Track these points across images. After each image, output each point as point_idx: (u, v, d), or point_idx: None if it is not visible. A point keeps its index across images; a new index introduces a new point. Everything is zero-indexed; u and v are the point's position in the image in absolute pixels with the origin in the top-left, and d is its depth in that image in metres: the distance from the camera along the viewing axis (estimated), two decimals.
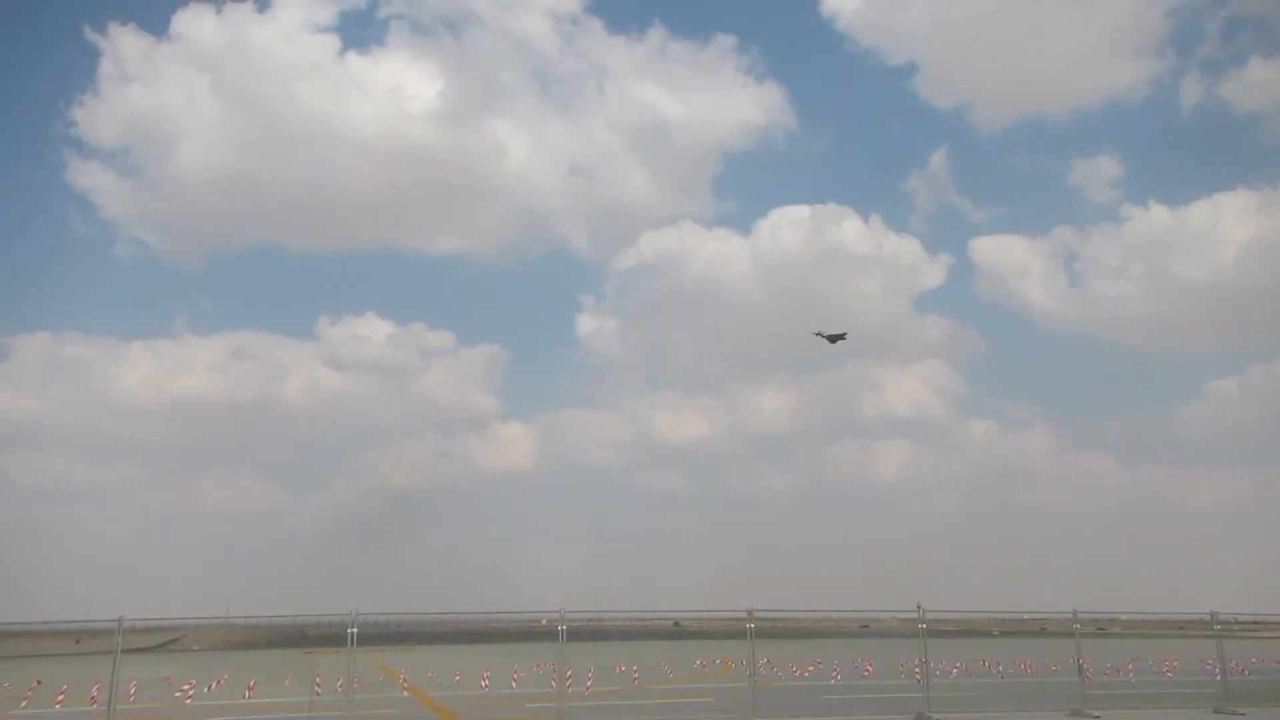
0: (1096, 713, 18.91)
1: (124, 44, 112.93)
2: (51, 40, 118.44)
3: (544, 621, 19.57)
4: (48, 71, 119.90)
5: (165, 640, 61.82)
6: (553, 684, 18.65)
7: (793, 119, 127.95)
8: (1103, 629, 46.81)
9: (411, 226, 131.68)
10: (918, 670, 19.59)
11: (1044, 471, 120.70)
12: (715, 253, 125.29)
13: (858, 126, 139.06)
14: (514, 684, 22.56)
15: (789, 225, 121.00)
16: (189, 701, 20.92)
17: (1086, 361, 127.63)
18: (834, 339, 57.31)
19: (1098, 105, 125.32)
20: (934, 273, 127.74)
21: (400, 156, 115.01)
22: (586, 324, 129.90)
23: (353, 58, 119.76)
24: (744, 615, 18.71)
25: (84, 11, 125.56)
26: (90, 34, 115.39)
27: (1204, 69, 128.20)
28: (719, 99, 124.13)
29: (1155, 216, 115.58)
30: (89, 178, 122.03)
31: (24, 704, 22.54)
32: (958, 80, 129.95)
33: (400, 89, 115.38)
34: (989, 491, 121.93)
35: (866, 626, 71.60)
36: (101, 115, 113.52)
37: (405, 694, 23.58)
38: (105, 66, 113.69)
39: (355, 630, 17.15)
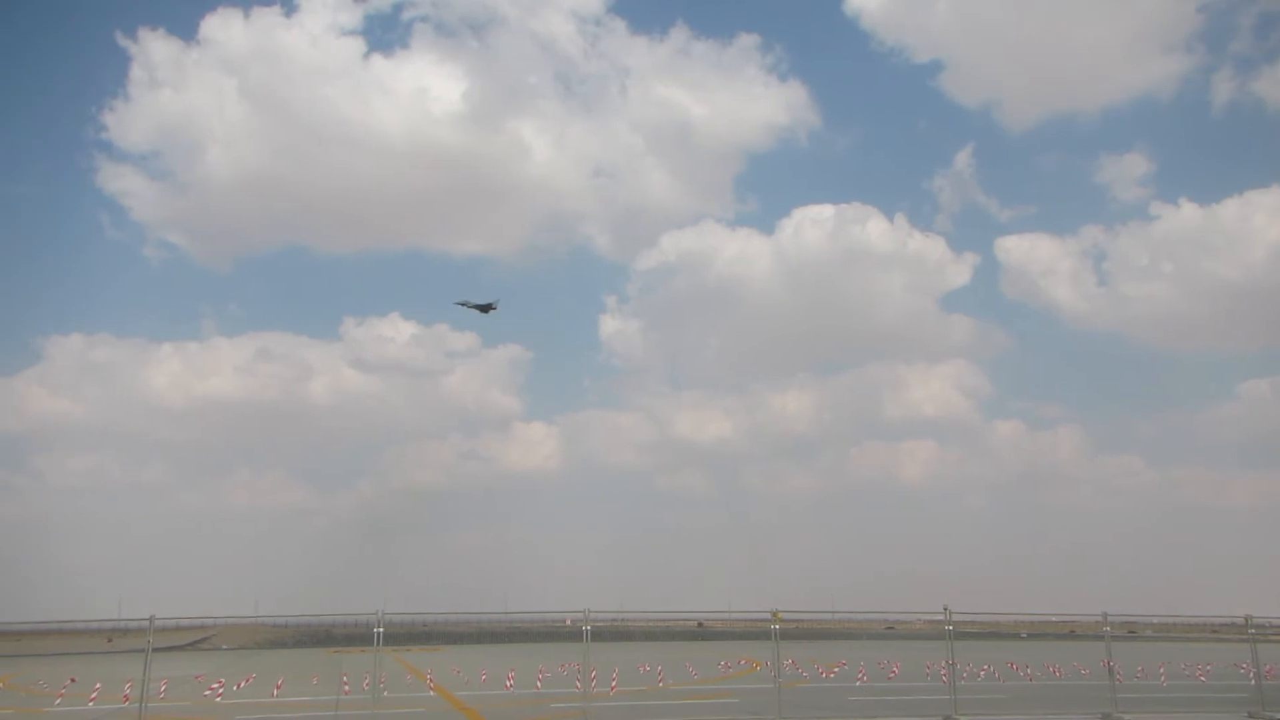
0: (1127, 716, 18.75)
1: (154, 49, 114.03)
2: (83, 46, 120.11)
3: (568, 622, 19.59)
4: (79, 76, 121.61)
5: (195, 639, 62.38)
6: (577, 684, 18.68)
7: (816, 118, 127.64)
8: (1133, 632, 46.31)
9: (436, 228, 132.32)
10: (944, 672, 19.47)
11: (1072, 472, 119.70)
12: (738, 253, 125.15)
13: (882, 125, 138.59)
14: (539, 684, 22.61)
15: (812, 224, 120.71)
16: (218, 700, 21.06)
17: (1115, 361, 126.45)
18: (483, 309, 56.43)
19: (1127, 102, 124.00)
20: (959, 272, 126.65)
21: (424, 158, 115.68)
22: (609, 325, 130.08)
23: (378, 60, 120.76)
24: (768, 616, 18.67)
25: (115, 17, 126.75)
26: (121, 39, 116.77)
27: (1236, 65, 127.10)
28: (742, 98, 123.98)
29: (1186, 214, 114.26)
30: (120, 181, 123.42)
31: (58, 701, 22.82)
32: (984, 78, 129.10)
33: (424, 91, 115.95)
34: (1016, 492, 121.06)
35: (892, 628, 71.36)
36: (132, 119, 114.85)
37: (431, 693, 23.69)
38: (135, 71, 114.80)
39: (381, 630, 17.24)
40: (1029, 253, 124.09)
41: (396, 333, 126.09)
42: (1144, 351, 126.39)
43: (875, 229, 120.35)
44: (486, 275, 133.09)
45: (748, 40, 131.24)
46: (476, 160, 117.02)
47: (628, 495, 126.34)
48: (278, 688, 21.67)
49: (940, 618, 19.70)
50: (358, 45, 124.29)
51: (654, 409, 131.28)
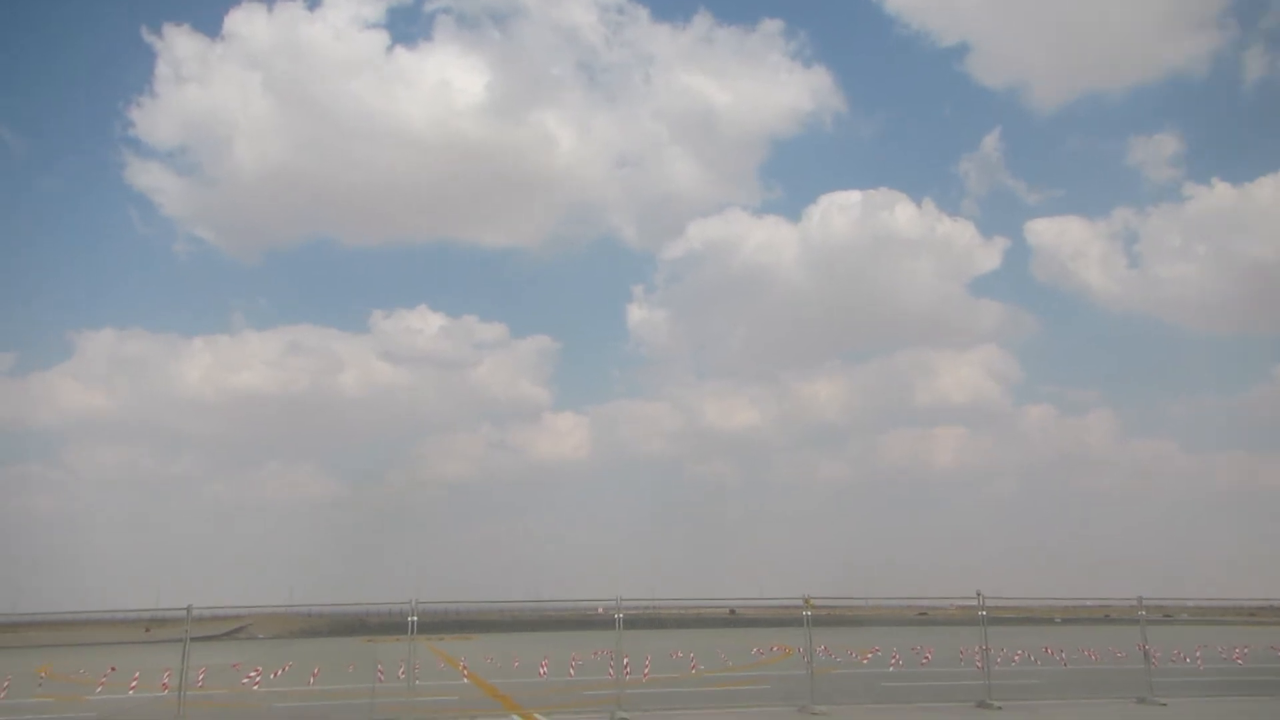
0: (1163, 700, 18.60)
1: (179, 45, 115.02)
2: (109, 43, 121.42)
3: (599, 610, 19.68)
4: (106, 74, 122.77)
5: (231, 629, 63.15)
6: (610, 671, 18.75)
7: (842, 103, 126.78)
8: (1168, 615, 45.94)
9: (462, 219, 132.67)
10: (978, 657, 19.39)
11: (1104, 456, 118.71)
12: (764, 240, 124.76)
13: (908, 109, 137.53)
14: (572, 671, 22.72)
15: (839, 211, 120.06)
16: (255, 688, 21.32)
17: (1147, 344, 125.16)
18: None
19: (1156, 81, 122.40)
20: (989, 256, 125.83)
21: (449, 150, 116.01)
22: (636, 314, 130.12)
23: (401, 53, 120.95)
24: (800, 603, 18.66)
25: (140, 14, 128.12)
26: (147, 35, 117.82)
27: (1268, 41, 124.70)
28: (766, 85, 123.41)
29: (1218, 194, 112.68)
30: (148, 177, 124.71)
31: (99, 689, 23.19)
32: (1010, 60, 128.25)
33: (448, 83, 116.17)
34: (1048, 477, 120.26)
35: (925, 614, 71.08)
36: (159, 116, 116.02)
37: (465, 681, 23.87)
38: (161, 68, 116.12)
39: (415, 619, 17.37)
40: (1059, 236, 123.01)
41: (425, 324, 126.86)
42: (1177, 334, 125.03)
43: (903, 214, 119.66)
44: (513, 266, 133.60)
45: (771, 26, 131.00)
46: (501, 151, 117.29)
47: (657, 484, 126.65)
48: (314, 676, 21.89)
49: (973, 603, 19.61)
50: (381, 38, 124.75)
51: (682, 398, 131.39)
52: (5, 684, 20.40)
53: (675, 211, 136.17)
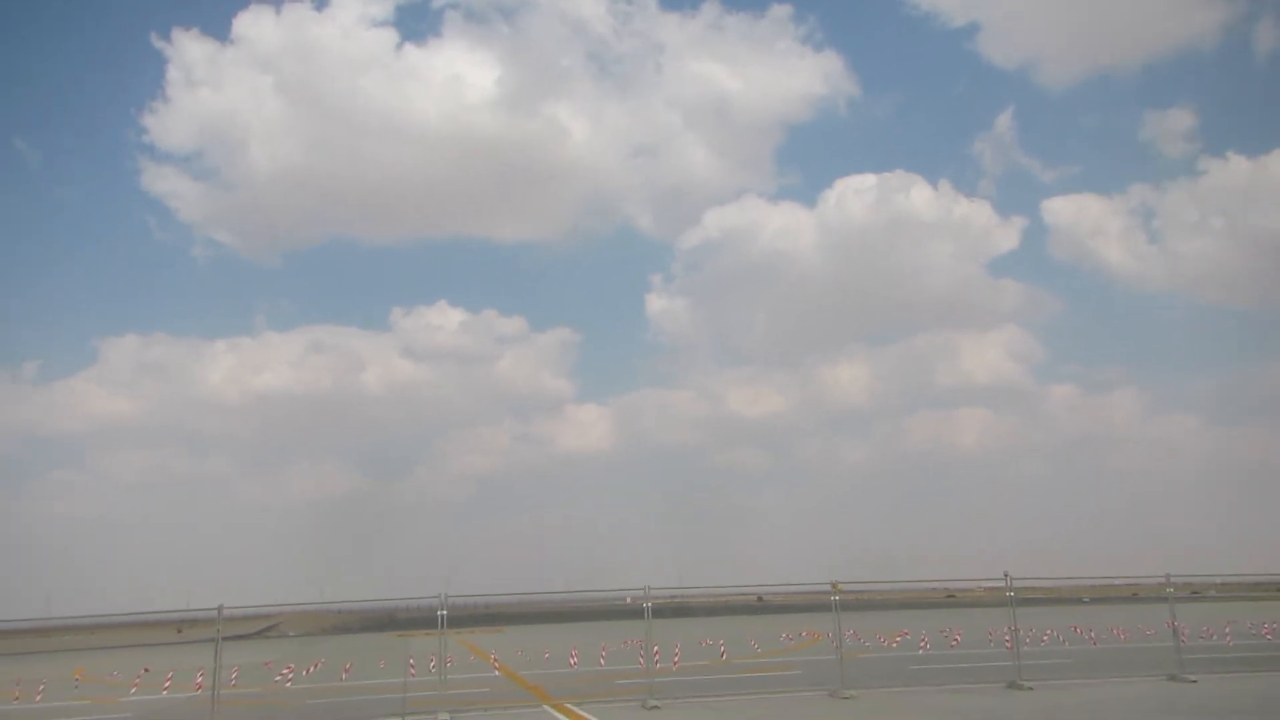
0: (1194, 677, 18.55)
1: (189, 49, 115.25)
2: (120, 50, 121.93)
3: (628, 600, 19.72)
4: (118, 81, 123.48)
5: (262, 627, 63.67)
6: (640, 660, 18.86)
7: (854, 87, 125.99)
8: (1197, 593, 45.63)
9: (478, 214, 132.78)
10: (1007, 638, 19.38)
11: (1129, 434, 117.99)
12: (781, 226, 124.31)
13: (921, 91, 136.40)
14: (602, 661, 22.84)
15: (855, 195, 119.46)
16: (288, 685, 21.55)
17: (1169, 321, 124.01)
18: None
19: (1168, 56, 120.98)
20: (1007, 236, 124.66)
21: (462, 145, 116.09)
22: (656, 304, 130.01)
23: (410, 50, 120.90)
24: (828, 588, 18.69)
25: (149, 19, 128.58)
26: (156, 41, 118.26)
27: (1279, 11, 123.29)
28: (778, 70, 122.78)
29: (1234, 167, 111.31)
30: (164, 183, 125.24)
31: (133, 690, 23.49)
32: (1021, 38, 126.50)
33: (458, 78, 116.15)
34: (1073, 457, 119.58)
35: (953, 596, 70.89)
36: (172, 121, 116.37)
37: (497, 673, 24.02)
38: (172, 73, 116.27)
39: (445, 613, 17.48)
40: (1077, 214, 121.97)
41: (445, 320, 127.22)
42: (1198, 309, 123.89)
43: (919, 196, 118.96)
44: (531, 260, 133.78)
45: (780, 11, 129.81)
46: (514, 145, 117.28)
47: (682, 473, 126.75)
48: (346, 672, 22.10)
49: (1001, 584, 19.58)
50: (390, 36, 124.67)
51: (705, 386, 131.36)
52: (41, 687, 20.74)
53: (691, 200, 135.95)
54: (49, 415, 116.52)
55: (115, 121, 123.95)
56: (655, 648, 18.01)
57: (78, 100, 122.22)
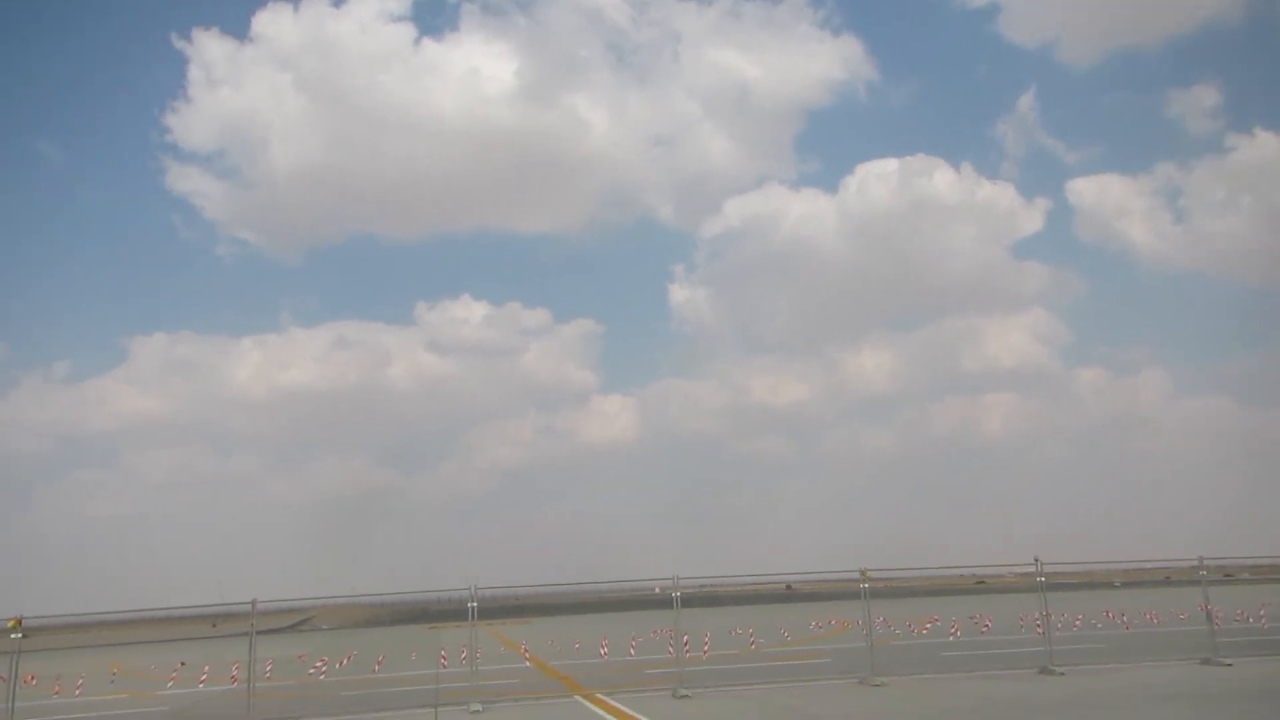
0: (1229, 660, 18.40)
1: (209, 49, 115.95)
2: (141, 50, 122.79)
3: (656, 590, 19.77)
4: (139, 81, 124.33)
5: (295, 621, 64.25)
6: (670, 650, 18.91)
7: (874, 71, 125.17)
8: (1229, 575, 45.18)
9: (499, 207, 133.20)
10: (1039, 624, 19.28)
11: (1159, 417, 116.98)
12: (803, 213, 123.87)
13: (941, 73, 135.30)
14: (632, 651, 22.93)
15: (877, 180, 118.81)
16: (322, 678, 21.78)
17: (1197, 301, 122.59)
18: None
19: (1191, 32, 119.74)
20: (1031, 218, 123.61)
21: (482, 139, 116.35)
22: (678, 294, 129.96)
23: (428, 44, 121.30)
24: (857, 575, 18.66)
25: (169, 20, 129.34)
26: (176, 41, 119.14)
27: None
28: (796, 56, 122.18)
29: (1262, 144, 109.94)
30: (187, 182, 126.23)
31: (170, 684, 23.83)
32: (1042, 18, 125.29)
33: (477, 71, 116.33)
34: (1102, 440, 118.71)
35: (982, 582, 70.49)
36: (194, 120, 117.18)
37: (527, 664, 24.19)
38: (193, 72, 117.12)
39: (475, 604, 17.59)
40: (1101, 194, 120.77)
41: (469, 314, 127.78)
42: (1227, 289, 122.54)
43: (941, 180, 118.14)
44: (553, 251, 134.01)
45: None
46: (534, 137, 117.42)
47: (708, 462, 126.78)
48: (379, 664, 22.31)
49: (1031, 570, 19.48)
50: (408, 31, 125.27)
51: (729, 375, 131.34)
52: (80, 682, 21.06)
53: (712, 189, 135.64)
54: (80, 414, 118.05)
55: (139, 122, 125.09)
56: (685, 637, 18.06)
57: (101, 101, 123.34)
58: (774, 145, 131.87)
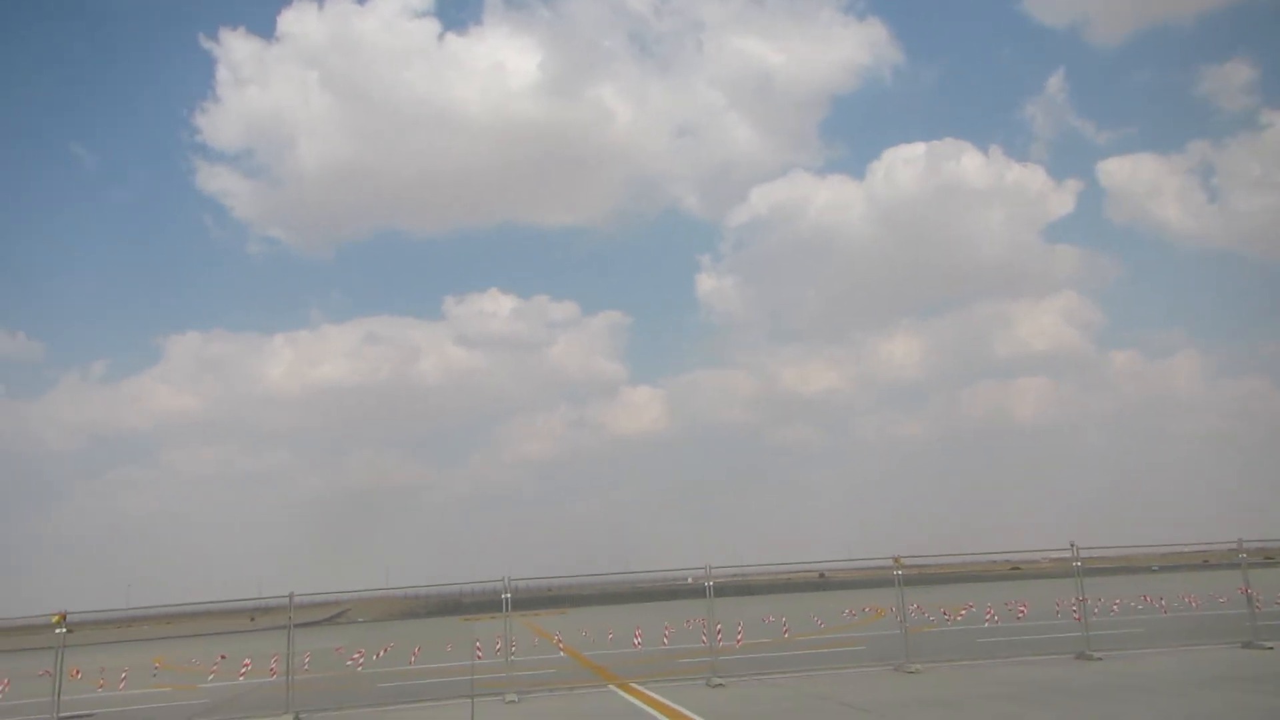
0: (1269, 643, 18.17)
1: (236, 48, 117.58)
2: (169, 51, 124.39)
3: (689, 580, 19.78)
4: (168, 82, 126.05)
5: (332, 614, 64.95)
6: (703, 639, 18.93)
7: (899, 55, 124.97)
8: (1270, 558, 44.65)
9: (525, 200, 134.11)
10: (1075, 609, 19.13)
11: (1195, 399, 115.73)
12: (829, 200, 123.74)
13: (967, 56, 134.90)
14: (666, 640, 22.98)
15: (904, 165, 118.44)
16: (359, 669, 22.01)
17: (1232, 281, 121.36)
18: None
19: (1223, 6, 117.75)
20: (1062, 201, 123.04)
21: (507, 132, 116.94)
22: (706, 283, 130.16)
23: (452, 39, 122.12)
24: (890, 563, 18.60)
25: (196, 20, 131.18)
26: (204, 41, 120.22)
27: None
28: (820, 42, 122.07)
29: None
30: (217, 181, 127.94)
31: (211, 677, 24.15)
32: None
33: (501, 65, 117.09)
34: (1137, 423, 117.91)
35: (1017, 568, 70.09)
36: (222, 120, 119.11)
37: (562, 654, 24.30)
38: (221, 72, 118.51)
39: (509, 596, 17.68)
40: (1133, 175, 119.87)
41: (497, 307, 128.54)
42: (1263, 268, 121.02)
43: (970, 164, 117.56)
44: (580, 244, 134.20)
45: None
46: (559, 130, 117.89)
47: (739, 451, 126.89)
48: (415, 655, 22.49)
49: (1067, 554, 19.32)
50: (431, 26, 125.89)
51: (758, 364, 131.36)
52: (123, 675, 21.39)
53: (738, 178, 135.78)
54: (117, 413, 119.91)
55: (168, 123, 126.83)
56: (718, 626, 18.07)
57: (132, 103, 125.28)
58: (799, 132, 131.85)
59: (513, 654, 17.66)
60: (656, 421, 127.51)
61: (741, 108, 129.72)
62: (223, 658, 25.39)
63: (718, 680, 16.75)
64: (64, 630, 16.05)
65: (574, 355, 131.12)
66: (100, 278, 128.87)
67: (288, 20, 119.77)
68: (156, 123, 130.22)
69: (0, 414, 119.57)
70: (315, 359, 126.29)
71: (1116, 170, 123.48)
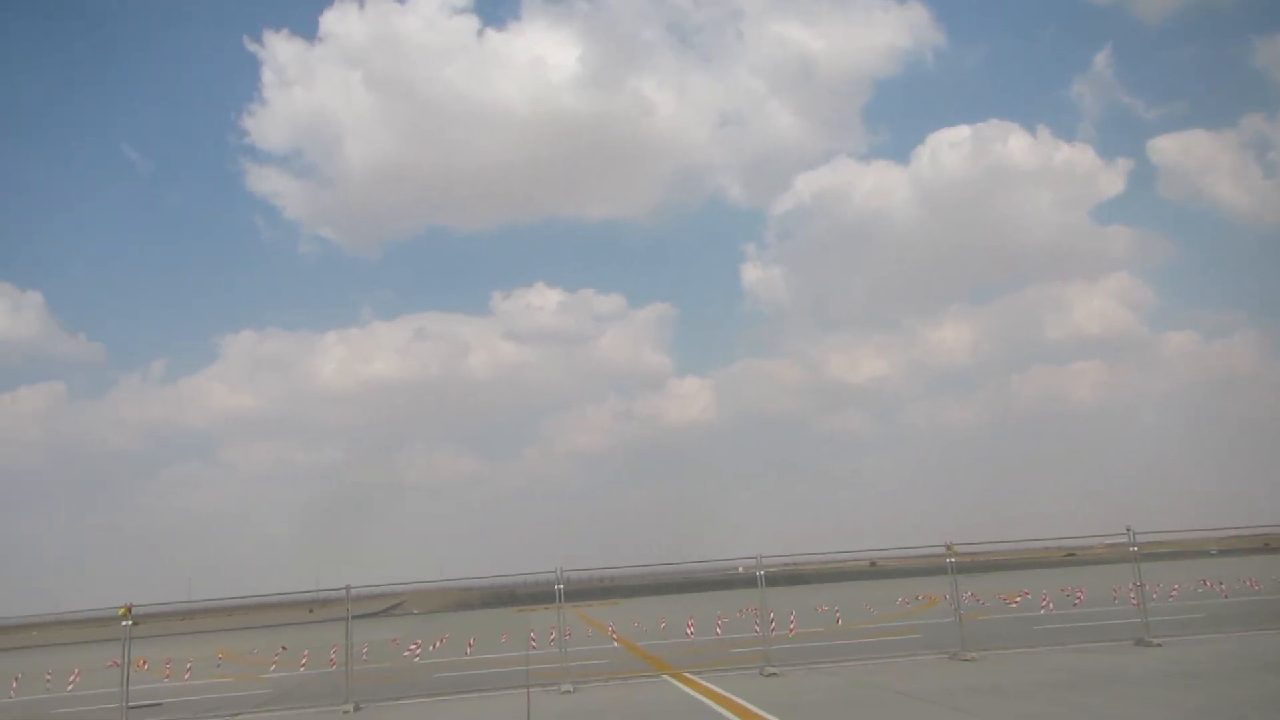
0: None
1: (280, 50, 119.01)
2: (215, 55, 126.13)
3: (740, 569, 19.79)
4: (216, 86, 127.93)
5: (388, 606, 65.82)
6: (756, 628, 18.97)
7: (940, 37, 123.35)
8: None
9: (569, 194, 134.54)
10: (1133, 595, 18.89)
11: (1254, 378, 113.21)
12: (874, 186, 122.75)
13: (1011, 35, 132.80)
14: (718, 630, 23.04)
15: (949, 148, 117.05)
16: (416, 660, 22.32)
17: None
18: None
19: None
20: (1112, 180, 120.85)
21: (549, 127, 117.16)
22: (751, 273, 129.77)
23: (492, 35, 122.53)
24: (943, 550, 18.49)
25: (241, 23, 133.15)
26: (249, 45, 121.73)
27: None
28: (861, 26, 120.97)
29: None
30: (267, 183, 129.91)
31: (273, 667, 24.65)
32: None
33: (541, 60, 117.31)
34: (1193, 405, 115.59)
35: (1072, 555, 69.16)
36: (270, 122, 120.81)
37: (615, 644, 24.45)
38: (267, 74, 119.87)
39: (562, 587, 17.83)
40: (1185, 151, 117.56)
41: (544, 301, 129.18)
42: None
43: (1017, 145, 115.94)
44: (624, 237, 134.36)
45: None
46: (601, 122, 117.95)
47: (787, 440, 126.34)
48: (470, 646, 22.75)
49: (1123, 540, 19.06)
50: (471, 23, 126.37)
51: (805, 353, 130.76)
52: (189, 666, 21.88)
53: (781, 166, 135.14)
54: (177, 412, 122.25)
55: (217, 125, 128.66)
56: (770, 615, 18.09)
57: (181, 107, 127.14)
58: (842, 118, 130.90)
59: (567, 643, 17.82)
60: (705, 412, 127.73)
61: (783, 95, 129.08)
62: (283, 649, 25.92)
63: (771, 669, 16.78)
64: (130, 623, 16.48)
65: (621, 348, 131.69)
66: (157, 279, 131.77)
67: (330, 21, 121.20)
68: (206, 126, 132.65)
69: (65, 414, 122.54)
70: (367, 356, 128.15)
71: (1168, 147, 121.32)
